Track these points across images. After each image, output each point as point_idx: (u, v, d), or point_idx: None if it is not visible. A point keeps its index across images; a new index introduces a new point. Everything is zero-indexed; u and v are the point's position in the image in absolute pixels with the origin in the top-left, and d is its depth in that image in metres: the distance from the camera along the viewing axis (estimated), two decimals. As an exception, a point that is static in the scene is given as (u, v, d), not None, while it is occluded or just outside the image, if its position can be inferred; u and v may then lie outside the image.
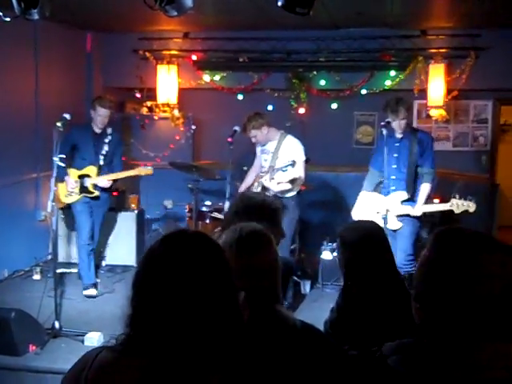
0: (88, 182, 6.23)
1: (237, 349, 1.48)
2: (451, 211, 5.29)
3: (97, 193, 6.29)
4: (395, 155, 5.48)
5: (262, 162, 6.04)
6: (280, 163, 5.62)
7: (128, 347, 1.47)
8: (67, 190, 6.19)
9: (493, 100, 8.13)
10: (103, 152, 6.29)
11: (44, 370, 4.46)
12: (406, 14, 6.90)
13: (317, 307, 5.84)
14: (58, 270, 6.08)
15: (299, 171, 5.66)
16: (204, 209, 6.90)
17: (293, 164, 5.43)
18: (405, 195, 5.43)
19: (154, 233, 7.54)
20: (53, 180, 5.17)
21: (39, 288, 5.70)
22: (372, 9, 6.56)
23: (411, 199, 5.46)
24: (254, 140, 5.94)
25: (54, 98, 7.40)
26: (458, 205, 5.12)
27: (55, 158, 5.15)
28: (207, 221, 6.80)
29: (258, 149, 6.18)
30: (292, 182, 5.65)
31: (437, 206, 5.45)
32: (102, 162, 6.30)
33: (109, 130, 6.32)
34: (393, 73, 7.88)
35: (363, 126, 8.50)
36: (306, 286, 6.52)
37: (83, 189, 6.24)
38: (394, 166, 5.49)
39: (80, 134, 6.24)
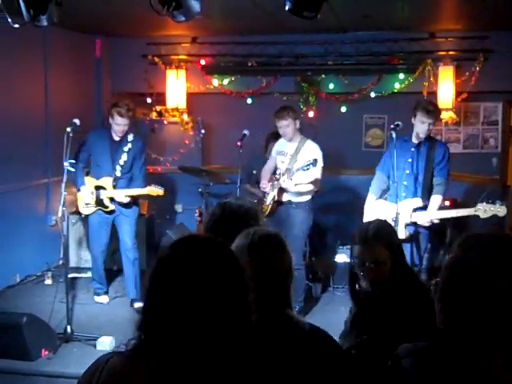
0: (103, 195, 5.93)
1: (246, 353, 1.48)
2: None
3: (112, 207, 5.97)
4: (409, 160, 5.30)
5: (279, 163, 5.95)
6: (300, 164, 5.52)
7: (138, 352, 1.48)
8: (84, 201, 5.96)
9: (503, 102, 8.09)
10: (121, 162, 5.91)
11: (56, 374, 4.48)
12: (414, 17, 6.89)
13: (329, 310, 5.84)
14: (70, 275, 6.10)
15: (319, 173, 5.61)
16: (214, 213, 6.89)
17: (314, 163, 5.33)
18: (419, 202, 5.19)
19: (164, 237, 7.54)
20: (63, 185, 5.20)
21: (51, 293, 5.73)
22: (380, 12, 6.55)
23: (426, 208, 5.22)
24: (282, 131, 5.76)
25: (64, 103, 7.45)
26: (485, 210, 4.82)
27: (65, 163, 5.19)
28: (217, 225, 6.79)
29: (274, 150, 6.10)
30: (312, 183, 5.60)
31: (458, 211, 5.14)
32: (118, 174, 5.92)
33: (129, 137, 5.95)
34: (401, 76, 7.86)
35: (372, 129, 8.48)
36: (317, 290, 6.52)
37: (99, 201, 5.95)
38: (408, 171, 5.29)
39: (97, 139, 5.97)
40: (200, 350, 1.42)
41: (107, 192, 5.91)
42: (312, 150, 5.70)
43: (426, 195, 5.26)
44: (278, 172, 5.89)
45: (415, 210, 5.19)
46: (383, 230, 2.95)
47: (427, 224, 5.17)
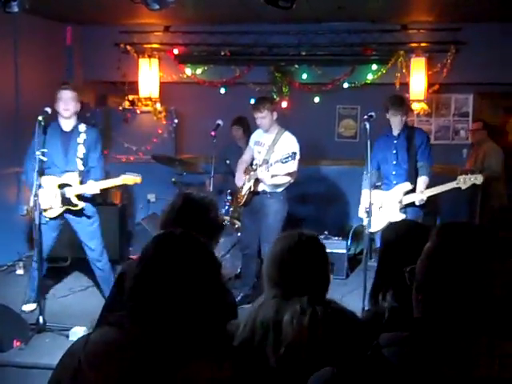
0: (70, 193, 5.36)
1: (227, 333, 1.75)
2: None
3: (82, 204, 5.43)
4: (394, 152, 5.74)
5: (255, 154, 5.93)
6: (278, 156, 5.54)
7: (122, 325, 1.63)
8: (46, 203, 5.35)
9: (473, 94, 8.20)
10: (79, 155, 5.41)
11: (29, 365, 4.44)
12: (388, 9, 6.93)
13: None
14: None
15: (296, 165, 5.63)
16: (187, 202, 6.87)
17: (293, 156, 5.36)
18: (408, 186, 5.58)
19: (137, 227, 7.49)
20: (35, 174, 5.10)
21: (22, 283, 5.68)
22: (353, 3, 6.58)
23: (414, 191, 5.63)
24: (259, 122, 5.75)
25: (35, 91, 7.33)
26: (464, 180, 5.22)
27: (37, 152, 5.09)
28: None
29: (251, 140, 6.09)
30: (289, 175, 5.63)
31: (442, 187, 5.48)
32: (81, 167, 5.43)
33: (81, 127, 5.47)
34: (374, 67, 7.91)
35: (345, 120, 8.53)
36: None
37: (65, 201, 5.39)
38: (394, 162, 5.74)
39: (47, 134, 5.32)
40: (181, 327, 1.59)
41: (75, 189, 5.38)
42: (289, 142, 5.70)
43: (413, 180, 5.65)
44: (254, 162, 5.88)
45: (406, 193, 5.58)
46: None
47: (421, 202, 5.52)
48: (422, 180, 5.61)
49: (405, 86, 7.64)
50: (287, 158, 5.36)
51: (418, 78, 7.59)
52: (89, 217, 5.60)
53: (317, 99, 8.19)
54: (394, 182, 5.75)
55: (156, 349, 1.55)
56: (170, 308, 1.60)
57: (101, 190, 5.44)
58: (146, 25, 8.12)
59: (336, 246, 6.74)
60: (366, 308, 5.11)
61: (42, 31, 7.66)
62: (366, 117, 5.28)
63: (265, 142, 5.84)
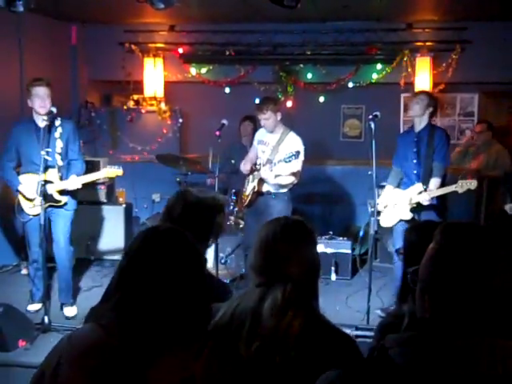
0: (51, 190, 5.23)
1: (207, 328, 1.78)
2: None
3: (65, 199, 5.34)
4: (414, 150, 5.58)
5: (259, 153, 5.89)
6: (281, 156, 5.48)
7: (108, 324, 1.64)
8: (31, 202, 5.27)
9: (479, 93, 8.17)
10: (58, 150, 5.27)
11: (34, 365, 4.38)
12: (392, 8, 6.92)
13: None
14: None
15: (300, 165, 5.61)
16: (192, 202, 6.85)
17: (296, 155, 5.32)
18: (420, 187, 5.46)
19: (142, 226, 7.49)
20: (40, 174, 5.09)
21: (27, 283, 5.68)
22: (358, 2, 6.57)
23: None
24: (263, 123, 5.71)
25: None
26: (461, 185, 5.21)
27: (42, 152, 5.07)
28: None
29: (255, 139, 6.05)
30: (293, 175, 5.59)
31: (443, 189, 5.44)
32: (60, 163, 5.29)
33: (57, 122, 5.30)
34: (379, 66, 7.91)
35: (350, 120, 8.52)
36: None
37: (48, 197, 5.22)
38: (415, 161, 5.58)
39: (22, 130, 5.27)
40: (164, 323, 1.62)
41: (56, 185, 5.26)
42: (294, 143, 5.66)
43: (427, 180, 5.49)
44: (258, 162, 5.85)
45: (419, 193, 5.45)
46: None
47: (425, 203, 5.38)
48: (433, 181, 5.48)
49: (410, 85, 7.63)
50: (290, 157, 5.33)
51: (423, 78, 7.58)
52: (69, 209, 5.47)
53: (322, 99, 8.19)
54: (416, 182, 5.57)
55: (133, 344, 1.57)
56: (152, 301, 1.63)
57: (82, 185, 5.37)
58: (150, 24, 8.13)
59: (341, 246, 6.73)
60: (375, 309, 5.16)
61: (46, 31, 7.67)
62: (370, 116, 5.26)
63: (269, 141, 5.81)
